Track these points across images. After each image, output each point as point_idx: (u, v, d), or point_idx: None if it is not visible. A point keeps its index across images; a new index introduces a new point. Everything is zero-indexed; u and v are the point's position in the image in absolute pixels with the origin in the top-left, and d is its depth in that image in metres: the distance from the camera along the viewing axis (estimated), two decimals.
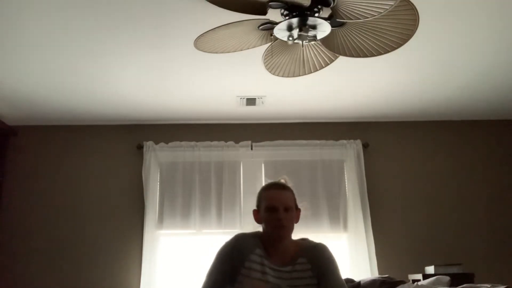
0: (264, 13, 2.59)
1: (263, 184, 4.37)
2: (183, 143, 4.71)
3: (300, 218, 2.11)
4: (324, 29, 2.60)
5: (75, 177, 4.67)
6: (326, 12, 2.60)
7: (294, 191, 2.12)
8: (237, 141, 4.74)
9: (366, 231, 4.50)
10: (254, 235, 2.09)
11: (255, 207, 2.13)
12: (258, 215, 2.09)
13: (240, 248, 2.03)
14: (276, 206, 2.00)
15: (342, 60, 3.16)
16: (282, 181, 2.16)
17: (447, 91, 4.27)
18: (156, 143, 4.71)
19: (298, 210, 2.09)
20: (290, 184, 2.16)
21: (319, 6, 2.56)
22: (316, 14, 2.57)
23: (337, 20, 2.58)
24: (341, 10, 2.49)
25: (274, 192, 2.06)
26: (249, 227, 4.00)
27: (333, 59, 3.02)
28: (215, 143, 4.72)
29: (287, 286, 1.98)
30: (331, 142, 4.77)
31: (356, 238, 4.48)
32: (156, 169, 4.66)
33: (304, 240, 2.13)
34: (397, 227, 4.62)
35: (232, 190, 4.60)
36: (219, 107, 4.50)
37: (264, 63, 3.06)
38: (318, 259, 2.02)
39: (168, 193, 4.59)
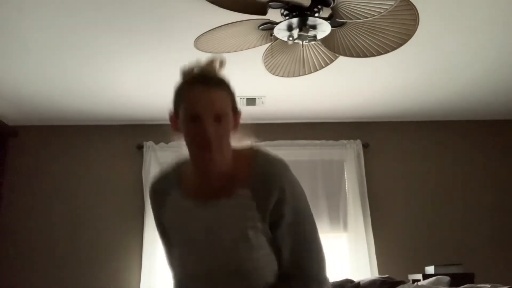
0: (264, 13, 2.60)
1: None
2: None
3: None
4: (324, 29, 2.60)
5: (75, 177, 4.66)
6: (326, 12, 2.60)
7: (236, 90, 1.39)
8: None
9: (366, 231, 4.50)
10: (172, 169, 1.47)
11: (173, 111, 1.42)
12: (175, 122, 1.41)
13: (154, 198, 1.46)
14: (200, 115, 1.29)
15: (342, 60, 3.16)
16: (216, 65, 1.36)
17: (447, 91, 4.27)
18: (156, 143, 4.70)
19: (237, 114, 1.42)
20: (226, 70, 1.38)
21: (319, 6, 2.57)
22: (316, 14, 2.57)
23: (337, 20, 2.59)
24: (341, 10, 2.49)
25: (198, 92, 1.30)
26: None
27: (333, 59, 3.02)
28: None
29: (213, 229, 1.31)
30: (331, 142, 4.77)
31: (356, 238, 4.48)
32: (156, 169, 4.63)
33: (252, 155, 1.38)
34: (397, 227, 4.61)
35: None
36: None
37: (264, 63, 3.06)
38: (271, 194, 1.29)
39: None
